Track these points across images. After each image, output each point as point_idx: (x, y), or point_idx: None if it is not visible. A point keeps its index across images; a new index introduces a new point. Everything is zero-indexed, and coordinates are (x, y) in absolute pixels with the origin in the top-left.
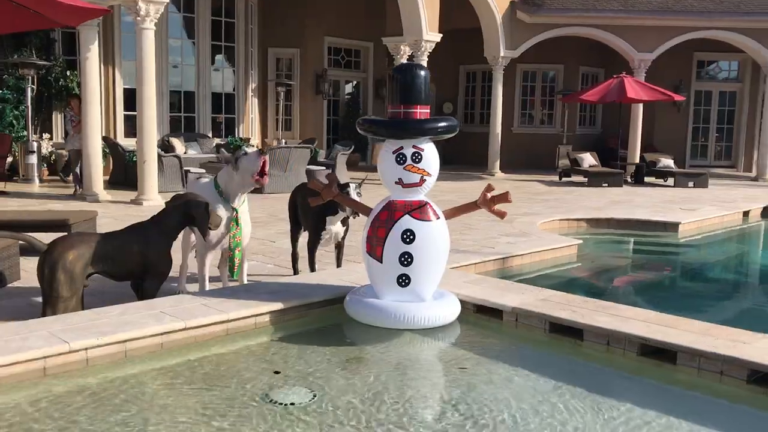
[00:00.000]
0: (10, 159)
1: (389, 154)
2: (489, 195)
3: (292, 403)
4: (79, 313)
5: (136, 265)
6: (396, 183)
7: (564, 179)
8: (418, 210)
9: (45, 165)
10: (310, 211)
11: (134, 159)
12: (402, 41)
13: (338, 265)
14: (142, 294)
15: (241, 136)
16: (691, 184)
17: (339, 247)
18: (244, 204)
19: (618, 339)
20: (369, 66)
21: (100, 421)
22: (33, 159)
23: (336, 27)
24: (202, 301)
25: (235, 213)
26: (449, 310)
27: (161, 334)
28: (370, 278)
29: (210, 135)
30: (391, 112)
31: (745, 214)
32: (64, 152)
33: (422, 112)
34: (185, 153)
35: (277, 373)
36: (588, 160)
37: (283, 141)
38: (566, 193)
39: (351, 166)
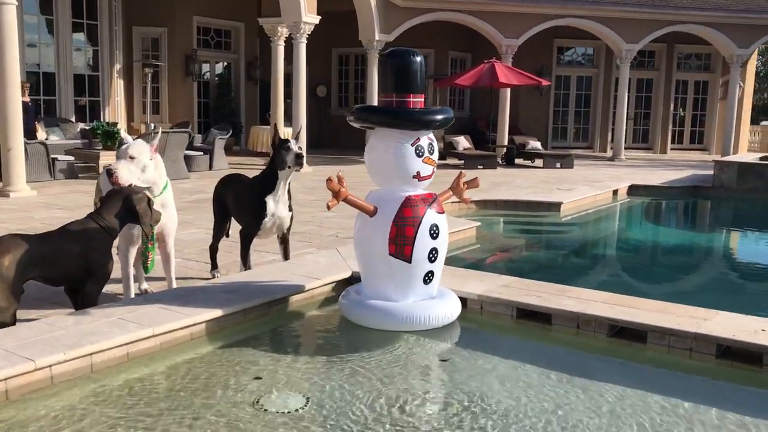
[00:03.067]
0: None
1: (406, 146)
2: (461, 181)
3: (289, 411)
4: (29, 325)
5: (77, 267)
6: (414, 177)
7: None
8: (434, 202)
9: None
10: (246, 197)
11: None
12: (280, 22)
13: (285, 258)
14: (82, 299)
15: (107, 120)
16: (558, 165)
17: (285, 241)
18: (165, 192)
19: (587, 321)
20: (240, 47)
21: None
22: None
23: (205, 6)
24: (159, 305)
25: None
26: (454, 306)
27: (128, 343)
28: (388, 281)
29: (73, 119)
30: (396, 101)
31: (615, 192)
32: None
33: (422, 101)
34: (47, 139)
35: (258, 379)
36: (462, 143)
37: (152, 125)
38: (446, 176)
39: (226, 150)
